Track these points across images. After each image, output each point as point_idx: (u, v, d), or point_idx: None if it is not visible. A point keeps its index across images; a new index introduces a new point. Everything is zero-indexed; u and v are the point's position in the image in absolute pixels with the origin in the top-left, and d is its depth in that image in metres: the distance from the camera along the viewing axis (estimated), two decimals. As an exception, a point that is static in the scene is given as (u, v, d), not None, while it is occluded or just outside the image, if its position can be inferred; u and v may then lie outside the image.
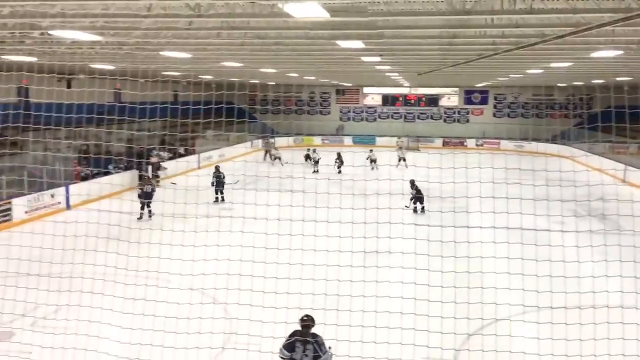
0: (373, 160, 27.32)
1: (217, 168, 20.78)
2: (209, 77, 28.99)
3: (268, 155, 32.11)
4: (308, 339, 6.48)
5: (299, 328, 6.57)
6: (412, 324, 6.37)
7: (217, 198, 20.07)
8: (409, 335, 6.30)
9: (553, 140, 37.31)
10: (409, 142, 37.52)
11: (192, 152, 29.48)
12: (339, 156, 27.01)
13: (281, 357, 6.59)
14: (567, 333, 6.08)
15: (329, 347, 6.55)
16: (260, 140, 35.48)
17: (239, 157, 31.91)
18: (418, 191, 17.50)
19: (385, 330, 6.39)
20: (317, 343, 6.51)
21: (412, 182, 17.75)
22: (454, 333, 6.47)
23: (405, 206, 16.92)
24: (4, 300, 7.87)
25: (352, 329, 6.77)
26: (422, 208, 17.34)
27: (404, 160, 28.96)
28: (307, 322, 6.57)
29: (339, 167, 26.78)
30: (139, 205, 17.20)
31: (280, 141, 37.59)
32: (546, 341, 6.15)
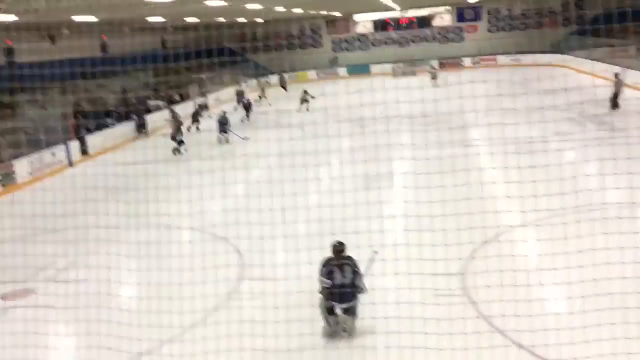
0: (305, 101, 26.29)
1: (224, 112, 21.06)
2: (195, 19, 28.32)
3: (262, 93, 31.85)
4: (343, 262, 6.79)
5: (332, 255, 6.86)
6: (417, 239, 6.52)
7: (220, 139, 20.27)
8: (415, 251, 6.47)
9: (552, 50, 36.63)
10: (404, 67, 37.03)
11: (187, 98, 29.21)
12: (306, 93, 26.28)
13: (324, 286, 6.90)
14: (566, 233, 6.24)
15: (375, 252, 6.86)
16: (255, 80, 35.03)
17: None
18: None
19: (391, 247, 6.53)
20: (352, 263, 6.87)
21: None
22: (458, 244, 6.62)
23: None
24: (25, 256, 8.08)
25: (359, 250, 6.96)
26: None
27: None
28: (340, 247, 6.90)
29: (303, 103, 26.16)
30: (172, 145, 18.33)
31: (274, 80, 37.17)
32: (546, 242, 6.31)
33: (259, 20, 37.77)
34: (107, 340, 6.26)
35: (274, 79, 37.45)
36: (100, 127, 21.55)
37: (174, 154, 18.30)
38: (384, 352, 6.07)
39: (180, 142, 18.76)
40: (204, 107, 26.92)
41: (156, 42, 31.92)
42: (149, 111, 25.44)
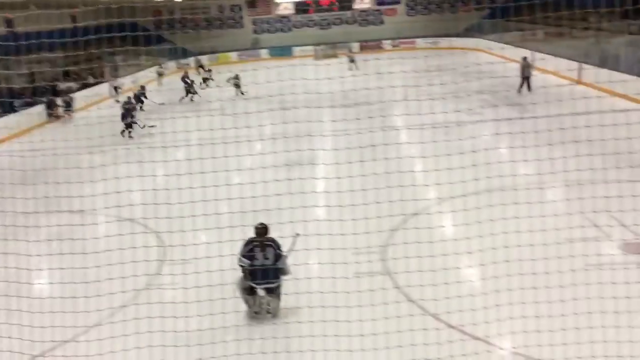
0: (237, 85, 25.11)
1: (129, 98, 19.94)
2: (108, -2, 27.11)
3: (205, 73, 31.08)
4: (266, 242, 6.79)
5: (254, 236, 6.84)
6: (339, 215, 6.64)
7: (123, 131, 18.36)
8: (338, 240, 6.61)
9: (466, 34, 37.90)
10: (322, 49, 37.17)
11: (102, 81, 28.04)
12: (237, 77, 25.19)
13: (241, 266, 6.88)
14: (480, 216, 6.55)
15: (297, 234, 6.93)
16: (173, 62, 34.08)
17: (153, 82, 30.69)
18: None
19: (315, 237, 6.65)
20: (276, 244, 6.85)
21: None
22: (379, 231, 6.83)
23: None
24: None
25: (283, 240, 7.01)
26: None
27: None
28: (262, 228, 6.91)
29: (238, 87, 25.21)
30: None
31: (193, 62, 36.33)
32: (462, 226, 6.61)
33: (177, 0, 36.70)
34: (20, 331, 6.00)
35: (192, 61, 36.58)
36: (6, 110, 20.32)
37: (122, 135, 17.38)
38: (307, 327, 6.16)
39: (130, 125, 17.85)
40: (118, 89, 26.06)
41: (65, 19, 30.36)
42: (57, 93, 24.24)
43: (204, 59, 35.94)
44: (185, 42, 39.29)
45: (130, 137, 17.69)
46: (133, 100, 20.45)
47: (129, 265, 6.79)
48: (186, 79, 25.33)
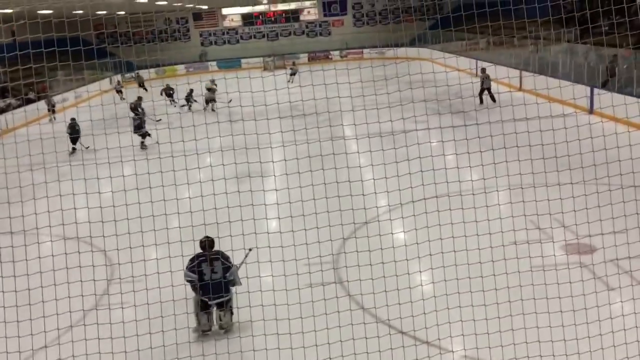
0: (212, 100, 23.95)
1: (73, 119, 18.74)
2: (48, 11, 26.42)
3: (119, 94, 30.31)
4: (213, 256, 6.74)
5: (201, 251, 6.87)
6: (291, 240, 6.68)
7: (74, 148, 18.21)
8: (290, 252, 6.61)
9: (411, 44, 38.68)
10: (275, 60, 37.27)
11: (44, 97, 27.23)
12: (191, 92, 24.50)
13: (188, 281, 6.79)
14: (429, 221, 6.68)
15: (249, 249, 6.95)
16: (119, 76, 33.38)
17: (96, 97, 29.96)
18: None
19: (266, 249, 6.64)
20: (223, 257, 6.78)
21: None
22: (330, 240, 6.86)
23: None
24: None
25: (234, 252, 6.96)
26: None
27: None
28: (207, 241, 6.95)
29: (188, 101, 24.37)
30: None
31: (140, 74, 35.68)
32: (411, 232, 6.71)
33: (122, 13, 36.07)
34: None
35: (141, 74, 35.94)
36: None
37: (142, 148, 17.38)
38: (261, 340, 6.12)
39: (145, 135, 17.80)
40: (52, 107, 25.14)
41: (7, 33, 29.38)
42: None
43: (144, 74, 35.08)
44: (130, 56, 38.62)
45: (144, 147, 17.49)
46: (140, 110, 19.87)
47: (76, 285, 6.59)
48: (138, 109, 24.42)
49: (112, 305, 7.02)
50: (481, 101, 20.86)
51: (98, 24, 37.63)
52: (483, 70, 21.74)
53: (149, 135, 17.72)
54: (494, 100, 20.43)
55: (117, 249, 6.69)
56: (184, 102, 24.38)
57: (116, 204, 7.26)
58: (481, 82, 21.15)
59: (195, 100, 24.26)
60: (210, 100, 23.37)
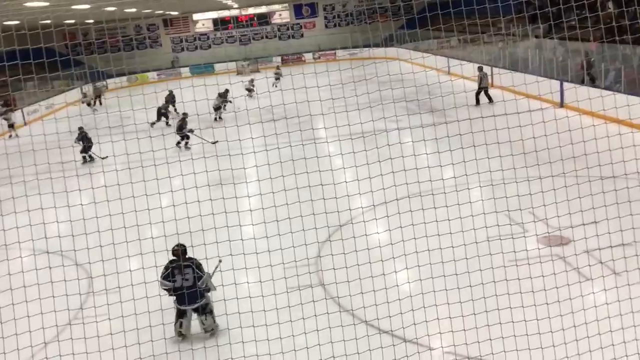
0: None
1: (81, 128, 17.42)
2: (14, 22, 25.92)
3: (97, 100, 29.72)
4: (184, 263, 6.69)
5: (174, 258, 6.89)
6: (267, 246, 6.59)
7: (85, 158, 17.37)
8: (265, 258, 6.51)
9: (383, 44, 38.85)
10: (248, 64, 37.11)
11: (14, 108, 26.70)
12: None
13: (164, 289, 6.76)
14: (413, 219, 6.63)
15: (219, 261, 6.92)
16: (90, 85, 32.86)
17: (70, 107, 29.50)
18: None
19: (240, 257, 6.54)
20: (195, 264, 6.85)
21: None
22: (305, 244, 6.77)
23: None
24: None
25: (208, 261, 6.86)
26: None
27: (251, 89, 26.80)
28: (179, 249, 6.93)
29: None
30: None
31: (112, 83, 35.26)
32: (395, 230, 6.67)
33: (90, 21, 35.56)
34: None
35: (113, 82, 35.48)
36: None
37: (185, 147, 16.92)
38: (239, 347, 6.01)
39: (185, 137, 17.20)
40: (11, 124, 24.11)
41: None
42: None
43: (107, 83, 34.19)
44: (101, 64, 38.10)
45: (187, 147, 16.91)
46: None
47: (49, 301, 6.41)
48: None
49: (86, 319, 6.84)
50: (477, 102, 19.87)
51: (69, 33, 37.11)
52: (480, 68, 20.74)
53: (188, 137, 17.28)
54: (490, 100, 19.75)
55: (90, 262, 6.54)
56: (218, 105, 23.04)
57: (87, 216, 7.09)
58: (479, 81, 20.15)
59: (230, 101, 22.49)
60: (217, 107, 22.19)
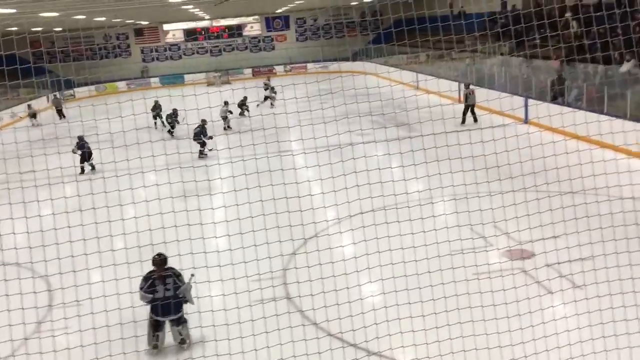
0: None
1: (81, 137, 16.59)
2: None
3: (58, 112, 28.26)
4: (164, 273, 6.66)
5: (153, 268, 6.80)
6: (240, 257, 6.65)
7: (83, 169, 16.41)
8: (240, 269, 6.57)
9: (354, 58, 39.30)
10: (220, 76, 37.05)
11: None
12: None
13: (143, 301, 6.69)
14: (377, 233, 6.78)
15: (192, 275, 6.89)
16: (51, 95, 32.23)
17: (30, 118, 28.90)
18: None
19: (216, 269, 6.58)
20: (175, 274, 6.84)
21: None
22: (281, 255, 6.87)
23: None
24: None
25: (183, 272, 6.88)
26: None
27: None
28: (160, 259, 6.84)
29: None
30: None
31: (80, 91, 34.83)
32: (360, 244, 6.80)
33: (59, 29, 35.10)
34: None
35: (81, 91, 34.97)
36: None
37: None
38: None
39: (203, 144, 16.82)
40: None
41: None
42: None
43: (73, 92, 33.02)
44: (69, 73, 37.59)
45: (206, 153, 16.57)
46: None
47: (16, 313, 6.35)
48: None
49: (55, 331, 6.79)
50: (463, 121, 18.94)
51: (35, 41, 36.51)
52: (467, 85, 19.87)
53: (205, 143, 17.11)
54: (475, 119, 19.03)
55: (60, 273, 6.48)
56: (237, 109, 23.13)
57: (58, 226, 7.05)
58: (465, 98, 19.28)
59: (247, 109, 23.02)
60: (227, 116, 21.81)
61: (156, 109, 22.74)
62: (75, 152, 16.03)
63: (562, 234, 7.24)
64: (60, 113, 28.18)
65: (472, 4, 24.28)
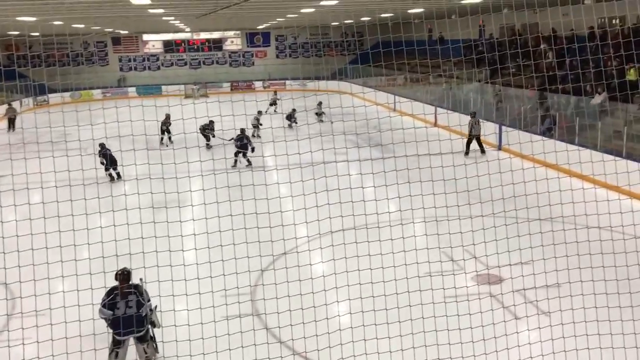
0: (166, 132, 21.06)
1: (102, 145, 15.64)
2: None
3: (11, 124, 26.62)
4: (127, 290, 6.49)
5: (117, 284, 6.60)
6: (208, 271, 6.56)
7: (111, 175, 15.60)
8: (206, 284, 6.48)
9: (332, 77, 39.56)
10: (198, 89, 36.89)
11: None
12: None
13: (103, 318, 6.51)
14: (347, 252, 6.76)
15: (140, 279, 6.70)
16: (30, 99, 31.79)
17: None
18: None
19: (182, 282, 6.48)
20: (138, 291, 6.63)
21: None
22: (249, 271, 6.80)
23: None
24: None
25: (149, 285, 6.74)
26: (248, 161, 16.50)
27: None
28: (123, 274, 6.66)
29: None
30: None
31: (54, 98, 34.30)
32: (329, 262, 6.77)
33: (36, 34, 34.66)
34: None
35: (55, 98, 34.44)
36: None
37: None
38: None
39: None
40: None
41: None
42: None
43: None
44: (43, 78, 37.02)
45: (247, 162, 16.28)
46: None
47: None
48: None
49: (12, 341, 6.58)
50: (467, 152, 17.67)
51: (8, 44, 35.98)
52: (473, 114, 18.45)
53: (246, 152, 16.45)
54: (483, 151, 17.70)
55: (20, 282, 6.31)
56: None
57: (20, 233, 6.87)
58: (469, 128, 17.91)
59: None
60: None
61: (166, 123, 20.46)
62: (102, 163, 15.16)
63: (530, 260, 7.31)
64: (11, 123, 26.49)
65: (450, 30, 24.70)
